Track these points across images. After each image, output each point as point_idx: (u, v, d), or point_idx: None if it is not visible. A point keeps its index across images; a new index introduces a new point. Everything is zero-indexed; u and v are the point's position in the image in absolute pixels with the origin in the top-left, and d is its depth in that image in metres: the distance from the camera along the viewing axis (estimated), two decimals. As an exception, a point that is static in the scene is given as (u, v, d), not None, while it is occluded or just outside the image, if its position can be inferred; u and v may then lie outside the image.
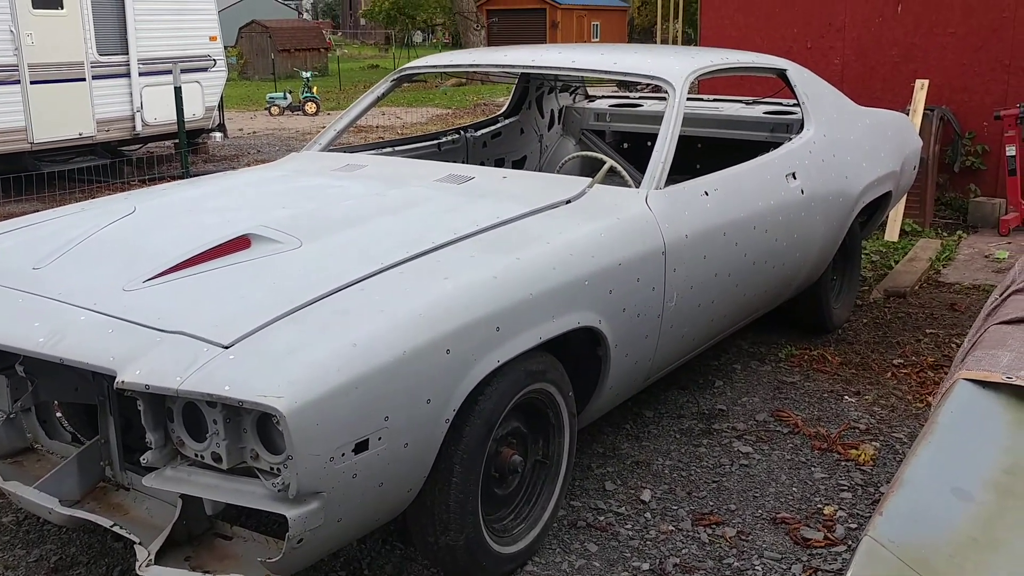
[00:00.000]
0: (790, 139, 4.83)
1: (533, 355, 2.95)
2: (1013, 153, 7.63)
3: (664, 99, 6.13)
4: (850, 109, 5.40)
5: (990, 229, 7.91)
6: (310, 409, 2.25)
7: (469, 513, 2.83)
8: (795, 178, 4.53)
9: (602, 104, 6.26)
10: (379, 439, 2.42)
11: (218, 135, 13.26)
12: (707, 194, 3.83)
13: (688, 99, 6.23)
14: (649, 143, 5.98)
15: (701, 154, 5.95)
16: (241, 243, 3.00)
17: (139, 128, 10.95)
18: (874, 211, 5.68)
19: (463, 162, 5.49)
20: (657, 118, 5.86)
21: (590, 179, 3.64)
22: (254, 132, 16.65)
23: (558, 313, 2.96)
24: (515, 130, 5.85)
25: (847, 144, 5.12)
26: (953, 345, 5.32)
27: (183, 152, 8.46)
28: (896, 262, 6.94)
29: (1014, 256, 7.04)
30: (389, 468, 2.48)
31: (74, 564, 3.18)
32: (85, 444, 2.95)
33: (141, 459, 2.50)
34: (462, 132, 5.52)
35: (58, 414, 3.33)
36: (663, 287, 3.46)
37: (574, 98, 6.31)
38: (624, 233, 3.33)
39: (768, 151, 5.34)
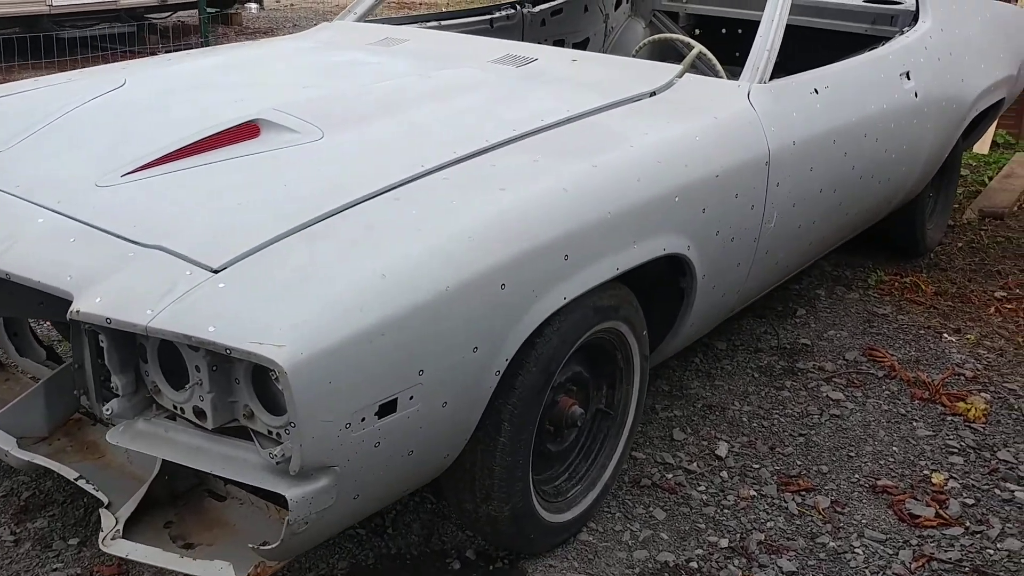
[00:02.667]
0: (899, 33, 4.10)
1: (605, 287, 2.37)
2: None
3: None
4: (969, -1, 4.65)
5: (1093, 144, 7.13)
6: (321, 361, 1.69)
7: (518, 479, 2.29)
8: (909, 78, 3.84)
9: (677, -18, 5.50)
10: (410, 398, 1.86)
11: (253, 6, 12.50)
12: (817, 92, 3.17)
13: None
14: (724, 30, 5.26)
15: (786, 47, 5.21)
16: (248, 130, 2.41)
17: (167, -7, 10.22)
18: (981, 120, 4.96)
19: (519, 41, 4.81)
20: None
21: (678, 66, 2.99)
22: (292, 4, 15.79)
23: (641, 237, 2.36)
24: (578, 8, 5.13)
25: (965, 42, 4.39)
26: (1063, 278, 4.67)
27: (202, 20, 7.76)
28: (990, 178, 6.21)
29: (1125, 177, 6.29)
30: (422, 433, 1.94)
31: (48, 503, 2.69)
32: (55, 368, 2.42)
33: (104, 410, 1.96)
34: (518, 7, 4.82)
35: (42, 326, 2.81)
36: (763, 205, 2.84)
37: (645, -26, 5.56)
38: (723, 136, 2.70)
39: (868, 47, 4.64)
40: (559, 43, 5.08)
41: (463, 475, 2.25)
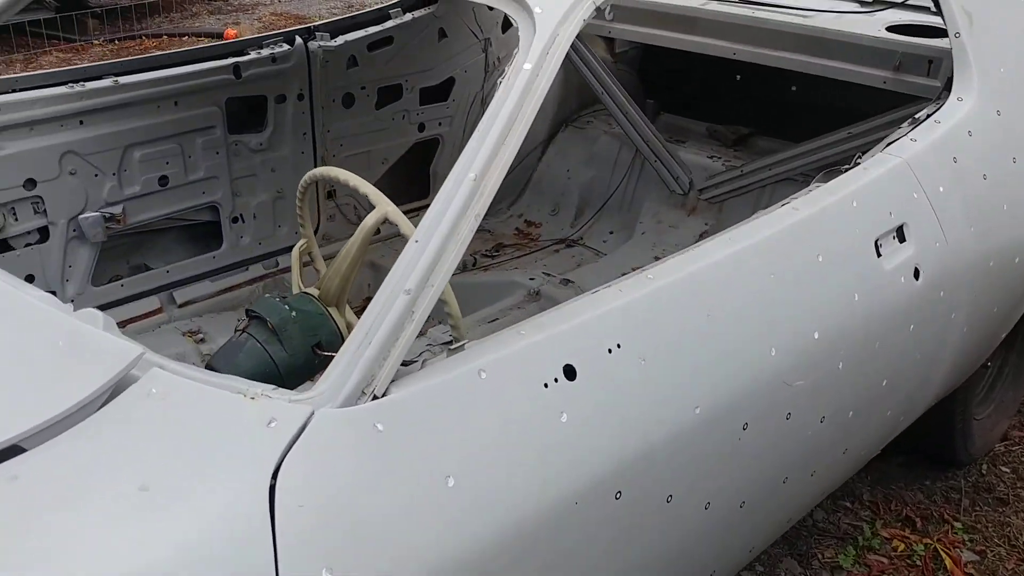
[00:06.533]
0: (909, 124, 2.10)
1: None
2: None
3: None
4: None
5: None
6: None
7: None
8: (903, 239, 1.85)
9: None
10: None
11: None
12: (563, 378, 1.23)
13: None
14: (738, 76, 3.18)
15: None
16: None
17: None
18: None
19: (300, 97, 2.91)
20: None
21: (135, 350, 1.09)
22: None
23: None
24: (425, 33, 3.16)
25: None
26: None
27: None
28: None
29: None
30: None
31: None
32: None
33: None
34: (301, 38, 2.91)
35: None
36: None
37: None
38: None
39: (873, 112, 2.66)
40: (393, 90, 3.15)
41: None
